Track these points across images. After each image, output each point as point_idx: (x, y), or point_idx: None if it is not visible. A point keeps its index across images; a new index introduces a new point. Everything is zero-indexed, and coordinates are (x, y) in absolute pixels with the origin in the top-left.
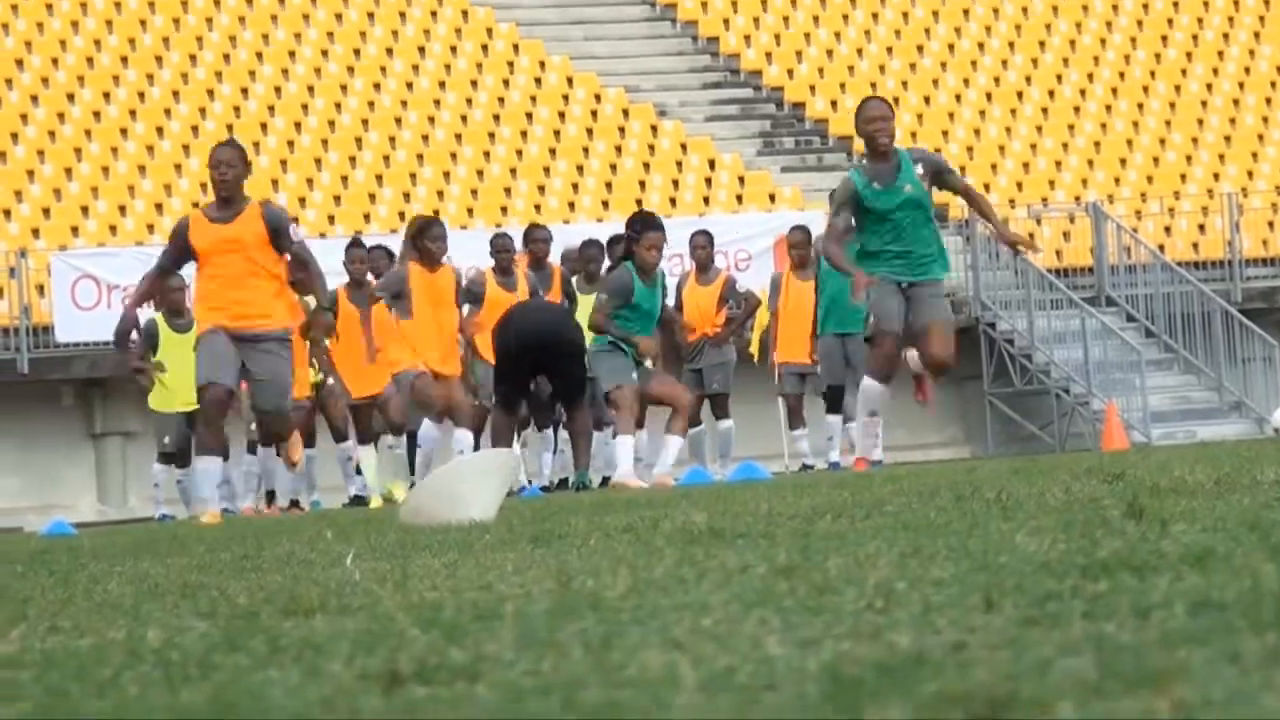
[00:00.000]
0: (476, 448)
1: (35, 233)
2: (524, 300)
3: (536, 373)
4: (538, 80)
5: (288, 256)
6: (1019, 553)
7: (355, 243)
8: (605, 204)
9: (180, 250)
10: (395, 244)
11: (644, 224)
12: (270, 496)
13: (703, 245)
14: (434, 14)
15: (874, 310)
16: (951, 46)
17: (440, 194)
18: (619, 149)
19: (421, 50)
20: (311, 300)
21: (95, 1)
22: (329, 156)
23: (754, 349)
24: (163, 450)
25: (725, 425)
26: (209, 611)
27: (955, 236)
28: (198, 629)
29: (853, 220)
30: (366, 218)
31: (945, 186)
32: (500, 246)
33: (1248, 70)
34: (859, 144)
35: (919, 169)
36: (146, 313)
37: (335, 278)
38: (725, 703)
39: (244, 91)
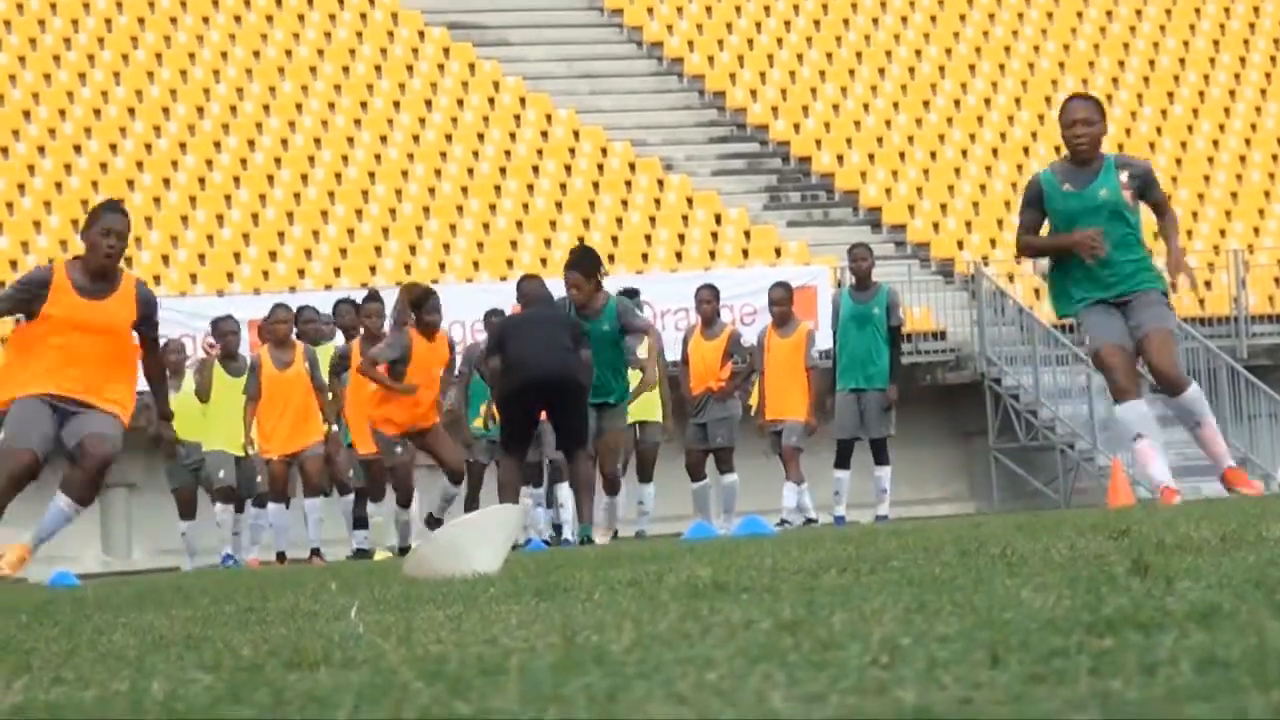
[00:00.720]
0: (471, 500)
1: None
2: (531, 339)
3: (541, 413)
4: (544, 134)
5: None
6: (1024, 609)
7: (372, 296)
8: (611, 258)
9: (22, 305)
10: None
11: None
12: (280, 556)
13: (708, 299)
14: (441, 67)
15: (1087, 329)
16: (958, 102)
17: (446, 247)
18: (625, 203)
19: (428, 104)
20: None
21: (102, 54)
22: (335, 209)
23: (753, 402)
24: (219, 486)
25: (729, 479)
26: (213, 664)
27: (961, 291)
28: (202, 681)
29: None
30: (372, 270)
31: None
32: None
33: (1254, 127)
34: (865, 198)
35: (1123, 176)
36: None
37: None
38: None
39: (250, 144)
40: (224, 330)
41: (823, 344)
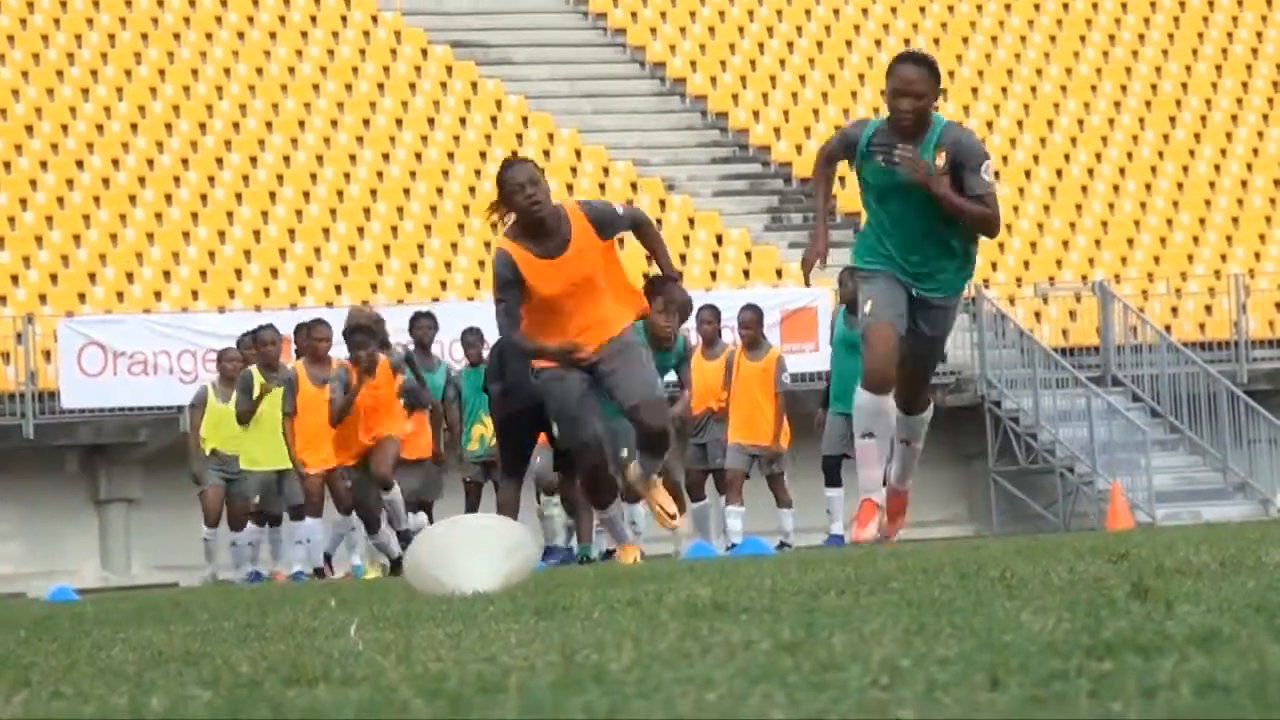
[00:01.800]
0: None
1: (42, 299)
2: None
3: (540, 435)
4: (546, 153)
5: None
6: (1024, 632)
7: (425, 314)
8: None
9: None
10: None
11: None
12: (319, 571)
13: (709, 320)
14: (444, 85)
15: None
16: (964, 116)
17: (448, 265)
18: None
19: (431, 122)
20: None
21: (105, 69)
22: (337, 227)
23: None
24: (253, 509)
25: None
26: (212, 680)
27: (961, 314)
28: (201, 698)
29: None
30: (374, 288)
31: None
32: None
33: (1256, 151)
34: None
35: (940, 159)
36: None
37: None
38: None
39: (253, 160)
40: (265, 340)
41: (821, 364)
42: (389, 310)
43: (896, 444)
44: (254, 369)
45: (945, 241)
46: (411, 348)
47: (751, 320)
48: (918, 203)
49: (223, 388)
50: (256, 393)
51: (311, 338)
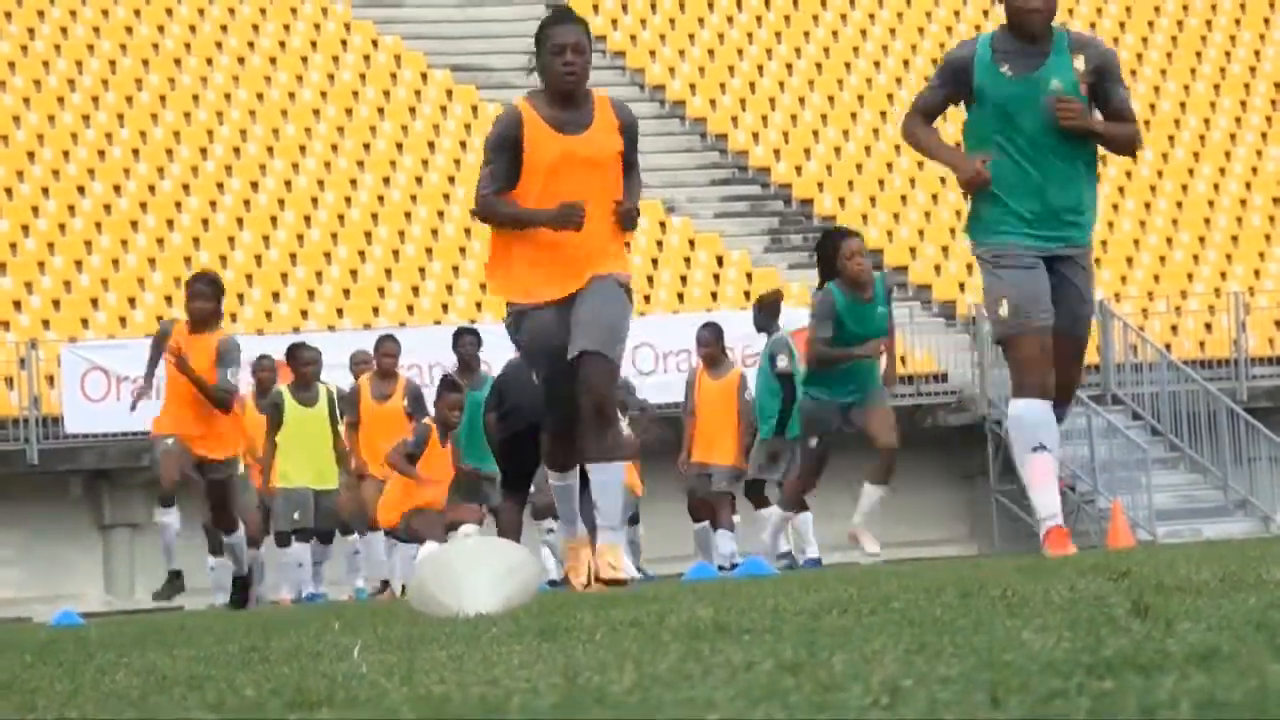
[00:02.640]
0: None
1: (45, 324)
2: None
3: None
4: None
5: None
6: (1025, 650)
7: (388, 337)
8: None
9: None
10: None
11: (839, 235)
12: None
13: (709, 341)
14: (444, 109)
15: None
16: (957, 144)
17: (449, 288)
18: (628, 244)
19: (431, 145)
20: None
21: (106, 96)
22: (338, 250)
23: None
24: (294, 528)
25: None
26: (216, 703)
27: (963, 334)
28: None
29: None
30: (375, 311)
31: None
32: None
33: (1255, 170)
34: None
35: (1079, 62)
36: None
37: (338, 371)
38: None
39: (253, 185)
40: (304, 360)
41: None
42: (394, 329)
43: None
44: (285, 388)
45: (1085, 162)
46: (455, 366)
47: (711, 339)
48: (1054, 119)
49: (262, 397)
50: (287, 413)
51: (380, 353)
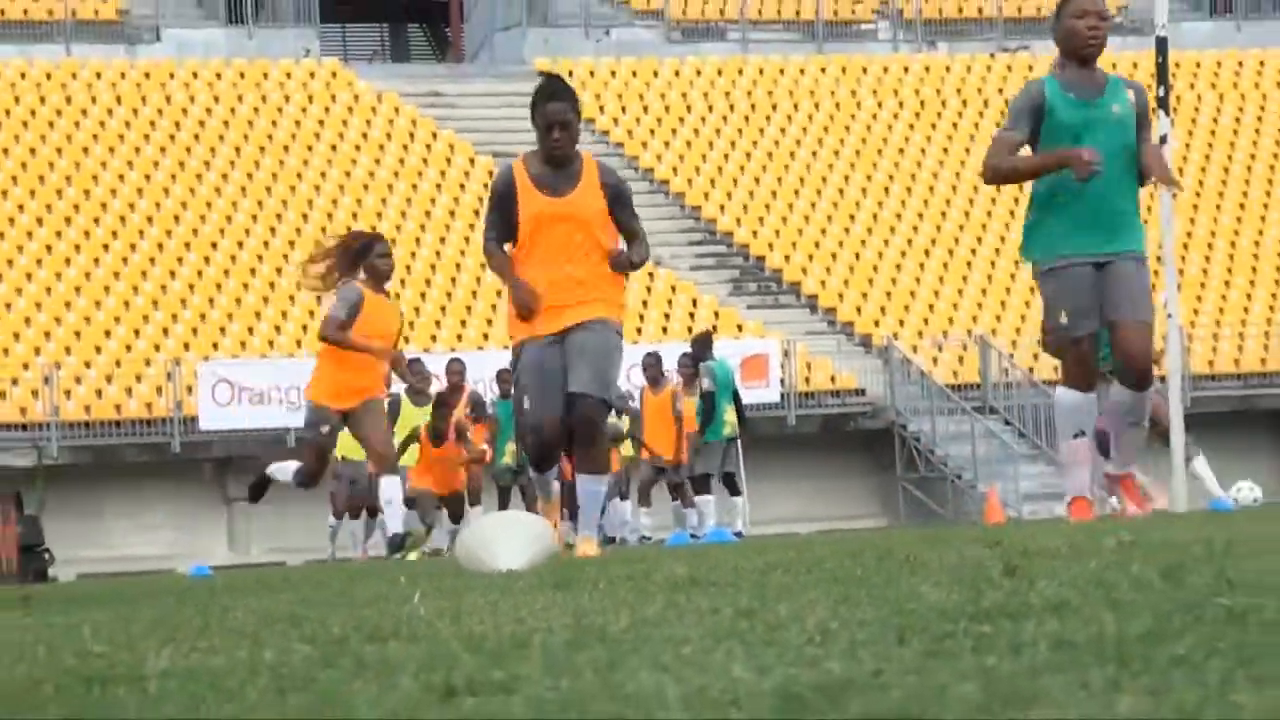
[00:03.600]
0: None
1: (186, 347)
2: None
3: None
4: None
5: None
6: (923, 601)
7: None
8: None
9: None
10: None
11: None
12: None
13: (651, 365)
14: (484, 185)
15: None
16: (878, 208)
17: (489, 321)
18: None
19: (476, 212)
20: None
21: (233, 174)
22: (404, 290)
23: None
24: (354, 494)
25: (704, 499)
26: (311, 637)
27: (877, 359)
28: (302, 651)
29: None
30: (433, 339)
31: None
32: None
33: None
34: (806, 287)
35: (1130, 95)
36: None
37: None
38: (701, 714)
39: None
40: (419, 372)
41: (772, 397)
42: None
43: (1125, 428)
44: (403, 393)
45: (1133, 178)
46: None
47: (652, 363)
48: (1117, 135)
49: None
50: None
51: (449, 372)
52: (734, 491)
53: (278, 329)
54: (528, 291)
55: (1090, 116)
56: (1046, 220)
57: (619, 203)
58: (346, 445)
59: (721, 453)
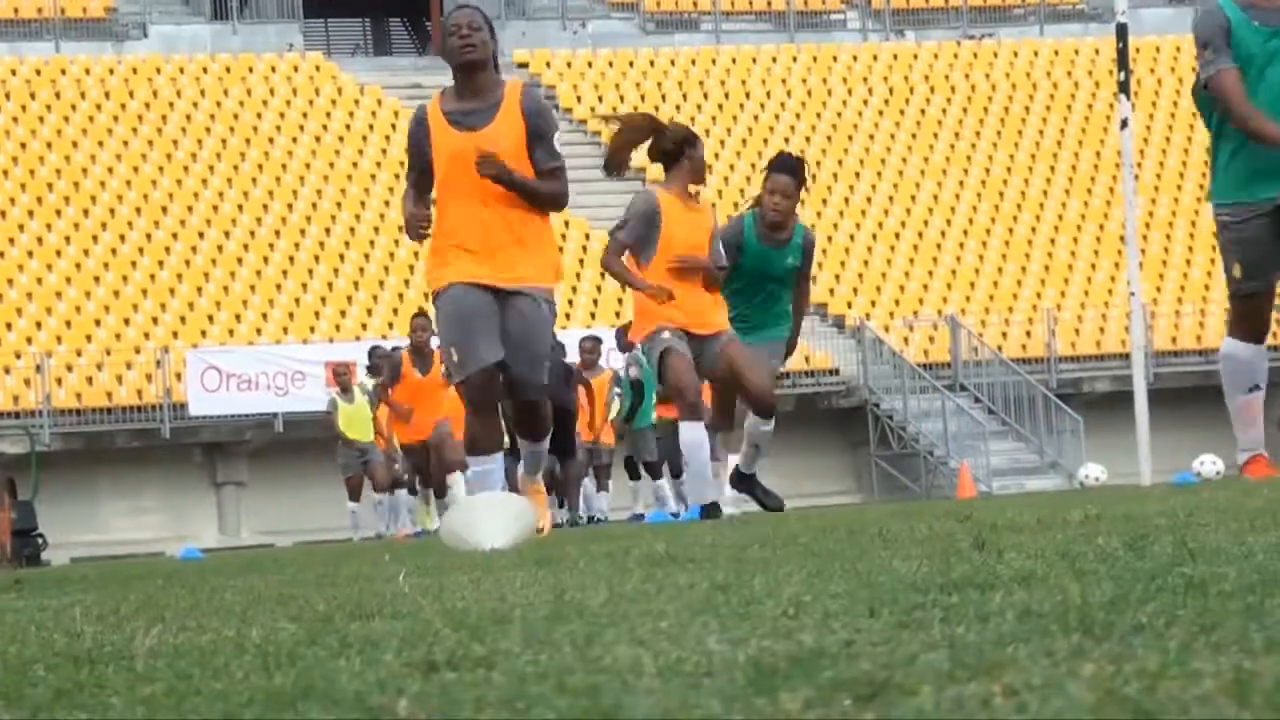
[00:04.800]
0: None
1: (174, 335)
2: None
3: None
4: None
5: None
6: (894, 574)
7: (420, 313)
8: (593, 314)
9: None
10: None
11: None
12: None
13: (588, 349)
14: None
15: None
16: (850, 193)
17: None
18: (603, 274)
19: None
20: None
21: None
22: (389, 279)
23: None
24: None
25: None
26: (297, 615)
27: (850, 340)
28: (288, 629)
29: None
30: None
31: None
32: (416, 326)
33: (1061, 216)
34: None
35: None
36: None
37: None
38: (676, 686)
39: (326, 230)
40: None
41: None
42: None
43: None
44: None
45: None
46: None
47: (591, 348)
48: None
49: (344, 395)
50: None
51: (414, 329)
52: (634, 475)
53: (264, 316)
54: (411, 223)
55: (1270, 46)
56: (1230, 164)
57: (536, 134)
58: (351, 426)
59: (648, 439)
